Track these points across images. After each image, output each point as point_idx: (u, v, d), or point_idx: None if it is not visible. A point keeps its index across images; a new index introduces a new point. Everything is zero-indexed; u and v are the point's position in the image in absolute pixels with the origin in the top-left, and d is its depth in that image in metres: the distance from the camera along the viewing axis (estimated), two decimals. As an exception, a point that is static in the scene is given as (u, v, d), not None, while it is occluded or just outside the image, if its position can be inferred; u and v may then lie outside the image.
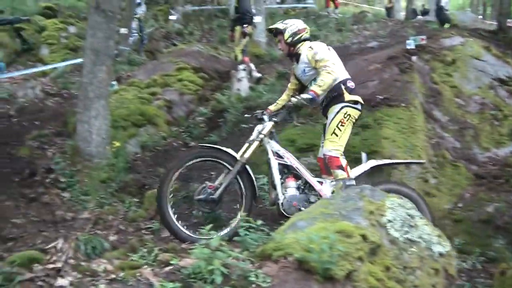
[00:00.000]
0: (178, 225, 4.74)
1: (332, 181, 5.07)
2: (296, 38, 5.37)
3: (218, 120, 8.70)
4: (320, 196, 4.98)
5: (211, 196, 4.83)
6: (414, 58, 8.80)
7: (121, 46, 13.49)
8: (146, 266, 3.56)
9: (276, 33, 5.55)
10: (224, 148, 5.09)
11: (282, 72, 11.17)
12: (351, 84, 5.19)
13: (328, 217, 3.60)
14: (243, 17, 10.78)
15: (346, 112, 5.04)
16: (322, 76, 5.01)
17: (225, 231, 4.71)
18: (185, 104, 10.07)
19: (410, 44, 9.05)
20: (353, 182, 4.89)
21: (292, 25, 5.42)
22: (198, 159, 5.01)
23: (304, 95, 5.00)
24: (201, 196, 4.84)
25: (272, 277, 3.04)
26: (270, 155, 5.08)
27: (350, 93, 5.11)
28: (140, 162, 7.24)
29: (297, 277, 3.03)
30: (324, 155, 5.12)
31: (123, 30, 13.43)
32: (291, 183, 5.04)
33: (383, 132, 6.68)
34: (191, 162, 4.94)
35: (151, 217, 5.28)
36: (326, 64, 5.04)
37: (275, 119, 5.22)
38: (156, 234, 4.97)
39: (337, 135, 5.02)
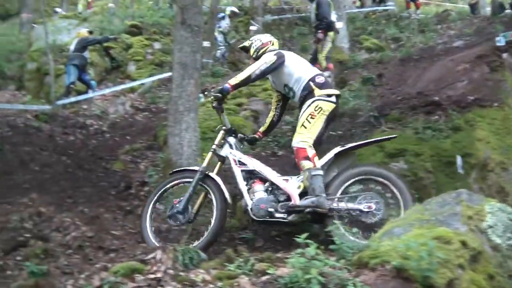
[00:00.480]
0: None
1: (298, 176, 5.03)
2: (261, 52, 5.55)
3: (305, 128, 8.68)
4: (288, 194, 4.96)
5: (175, 209, 5.11)
6: (505, 55, 8.46)
7: (204, 59, 13.78)
8: (243, 276, 3.59)
9: (246, 51, 5.81)
10: (186, 168, 5.65)
11: (367, 77, 11.00)
12: (320, 79, 5.19)
13: (424, 223, 3.52)
14: (320, 23, 10.71)
15: (317, 105, 5.03)
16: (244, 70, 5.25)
17: (202, 238, 4.94)
18: (271, 113, 10.12)
19: (500, 40, 8.70)
20: (320, 172, 4.83)
21: (256, 41, 5.70)
22: (167, 187, 5.37)
23: (217, 88, 5.28)
24: (169, 213, 5.18)
25: (370, 285, 3.00)
26: (232, 164, 5.26)
27: (320, 88, 5.12)
28: (230, 172, 7.32)
29: (396, 286, 2.97)
30: (292, 147, 5.09)
31: (206, 44, 13.70)
32: (258, 186, 5.10)
33: (476, 133, 6.44)
34: (157, 199, 5.36)
35: (244, 227, 5.33)
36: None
37: (224, 127, 5.41)
38: (250, 243, 5.02)
39: (305, 127, 5.01)
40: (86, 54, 13.06)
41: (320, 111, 5.01)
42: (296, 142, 4.99)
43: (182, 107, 6.80)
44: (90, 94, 13.03)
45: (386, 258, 3.12)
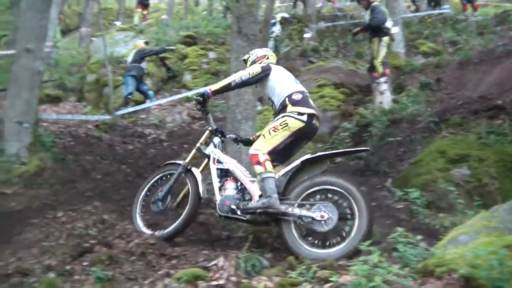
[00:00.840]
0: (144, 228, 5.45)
1: None
2: None
3: (363, 135, 8.59)
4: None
5: (157, 197, 5.54)
6: None
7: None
8: (305, 283, 3.59)
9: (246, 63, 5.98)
10: (173, 161, 5.97)
11: (424, 82, 10.83)
12: (297, 96, 5.22)
13: (492, 230, 3.43)
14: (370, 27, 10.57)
15: (284, 120, 5.09)
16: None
17: (169, 228, 5.30)
18: (329, 120, 10.11)
19: None
20: (271, 175, 4.92)
21: (252, 55, 5.90)
22: (154, 181, 5.74)
23: (198, 92, 5.58)
24: (152, 199, 5.59)
25: (436, 294, 2.94)
26: (210, 161, 5.53)
27: (293, 105, 5.15)
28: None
29: (464, 295, 2.90)
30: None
31: (261, 52, 13.74)
32: (230, 184, 5.31)
33: (545, 139, 6.24)
34: (148, 187, 5.73)
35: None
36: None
37: (209, 128, 5.72)
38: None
39: (264, 137, 5.15)
40: (143, 65, 13.27)
41: (285, 126, 5.08)
42: (252, 149, 5.18)
43: (240, 116, 6.88)
44: (148, 104, 13.26)
45: (453, 266, 3.06)
